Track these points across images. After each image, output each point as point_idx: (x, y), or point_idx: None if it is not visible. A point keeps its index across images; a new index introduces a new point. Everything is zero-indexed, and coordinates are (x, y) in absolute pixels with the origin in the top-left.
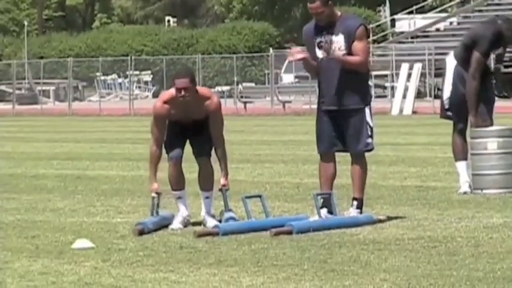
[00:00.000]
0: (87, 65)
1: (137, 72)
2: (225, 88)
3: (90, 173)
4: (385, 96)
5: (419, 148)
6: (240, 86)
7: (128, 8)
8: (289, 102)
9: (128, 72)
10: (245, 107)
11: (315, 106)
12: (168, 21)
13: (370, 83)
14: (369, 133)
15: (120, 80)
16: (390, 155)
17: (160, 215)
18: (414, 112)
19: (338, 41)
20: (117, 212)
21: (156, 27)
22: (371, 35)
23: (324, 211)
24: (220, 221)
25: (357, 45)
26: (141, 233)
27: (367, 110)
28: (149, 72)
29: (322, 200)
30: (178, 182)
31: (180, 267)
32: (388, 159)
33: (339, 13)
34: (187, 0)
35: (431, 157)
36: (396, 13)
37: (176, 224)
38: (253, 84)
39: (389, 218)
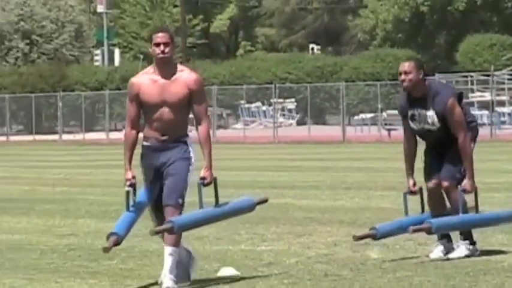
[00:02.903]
0: (231, 93)
1: (281, 100)
2: (369, 115)
3: None
4: None
5: None
6: (383, 113)
7: (271, 36)
8: None
9: (272, 100)
10: (389, 134)
11: None
12: (312, 48)
13: None
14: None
15: (264, 108)
16: None
17: (135, 208)
18: None
19: (431, 116)
20: (262, 239)
21: (300, 55)
22: None
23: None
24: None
25: (452, 122)
26: (116, 244)
27: None
28: (293, 99)
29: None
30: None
31: None
32: None
33: (426, 82)
34: (331, 27)
35: None
36: None
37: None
38: (397, 112)
39: None
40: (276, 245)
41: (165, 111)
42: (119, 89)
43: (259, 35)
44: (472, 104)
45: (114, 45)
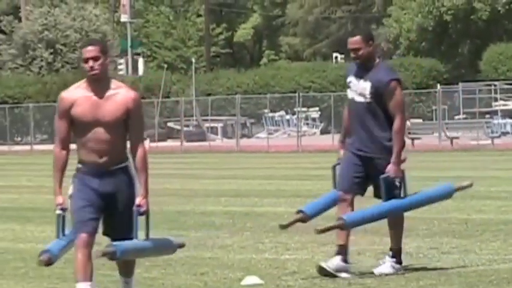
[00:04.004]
0: (255, 102)
1: (305, 109)
2: None
3: (258, 210)
4: None
5: None
6: (408, 122)
7: (295, 45)
8: (457, 138)
9: (295, 109)
10: (413, 143)
11: (483, 142)
12: (336, 57)
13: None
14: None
15: (288, 117)
16: None
17: (67, 236)
18: None
19: (364, 88)
20: (286, 248)
21: (324, 64)
22: None
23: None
24: None
25: (393, 102)
26: (49, 263)
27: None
28: (317, 108)
29: None
30: (86, 271)
31: None
32: None
33: (377, 60)
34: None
35: None
36: None
37: None
38: (420, 120)
39: None
40: (299, 254)
41: (100, 131)
42: (143, 98)
43: (283, 44)
44: (495, 112)
45: (138, 54)
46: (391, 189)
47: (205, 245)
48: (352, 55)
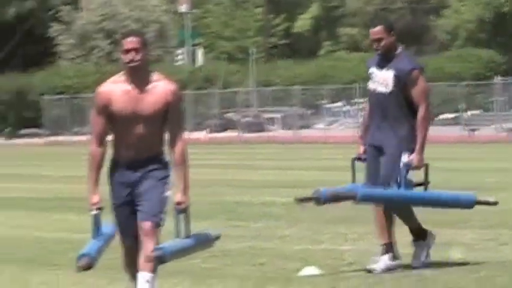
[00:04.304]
0: (313, 93)
1: (363, 100)
2: (451, 116)
3: None
4: None
5: None
6: (466, 113)
7: (354, 36)
8: None
9: (354, 100)
10: (471, 135)
11: None
12: None
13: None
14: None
15: (346, 108)
16: None
17: (103, 235)
18: None
19: (386, 77)
20: (344, 239)
21: None
22: None
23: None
24: None
25: (416, 91)
26: (89, 267)
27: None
28: None
29: None
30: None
31: None
32: None
33: (399, 50)
34: (414, 28)
35: None
36: None
37: None
38: (479, 112)
39: None
40: (357, 245)
41: (139, 126)
42: (202, 89)
43: (341, 35)
44: None
45: (196, 44)
46: (408, 180)
47: (264, 235)
48: (374, 46)
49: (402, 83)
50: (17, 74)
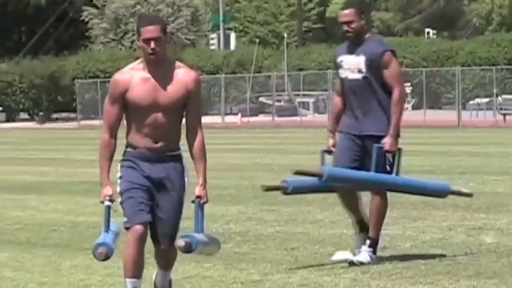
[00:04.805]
0: None
1: None
2: (484, 100)
3: None
4: None
5: None
6: (499, 98)
7: (387, 20)
8: None
9: None
10: (504, 119)
11: None
12: (428, 33)
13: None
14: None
15: None
16: None
17: (112, 230)
18: None
19: (358, 62)
20: None
21: (416, 39)
22: None
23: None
24: None
25: (389, 74)
26: (107, 256)
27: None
28: (409, 84)
29: None
30: (137, 267)
31: (440, 280)
32: None
33: (368, 34)
34: (447, 12)
35: None
36: None
37: None
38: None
39: None
40: (390, 229)
41: (157, 115)
42: (235, 73)
43: (375, 19)
44: None
45: (229, 29)
46: (381, 163)
47: (296, 220)
48: (344, 28)
49: (375, 67)
50: (50, 58)
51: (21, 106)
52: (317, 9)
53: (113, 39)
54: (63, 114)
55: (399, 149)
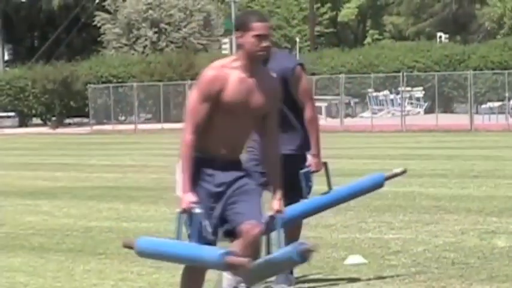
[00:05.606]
0: (358, 82)
1: (409, 89)
2: (497, 104)
3: None
4: None
5: None
6: (511, 102)
7: (399, 25)
8: None
9: (399, 89)
10: None
11: None
12: (440, 37)
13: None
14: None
15: (392, 96)
16: None
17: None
18: None
19: None
20: (389, 228)
21: (428, 43)
22: None
23: None
24: None
25: (301, 90)
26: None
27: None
28: (421, 88)
29: None
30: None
31: (452, 283)
32: None
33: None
34: (459, 16)
35: None
36: None
37: None
38: None
39: None
40: (403, 233)
41: (244, 120)
42: None
43: (387, 24)
44: None
45: None
46: (308, 186)
47: (309, 224)
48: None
49: (286, 83)
50: (62, 64)
51: (33, 111)
52: (329, 13)
53: (125, 44)
54: (76, 119)
55: (325, 163)
